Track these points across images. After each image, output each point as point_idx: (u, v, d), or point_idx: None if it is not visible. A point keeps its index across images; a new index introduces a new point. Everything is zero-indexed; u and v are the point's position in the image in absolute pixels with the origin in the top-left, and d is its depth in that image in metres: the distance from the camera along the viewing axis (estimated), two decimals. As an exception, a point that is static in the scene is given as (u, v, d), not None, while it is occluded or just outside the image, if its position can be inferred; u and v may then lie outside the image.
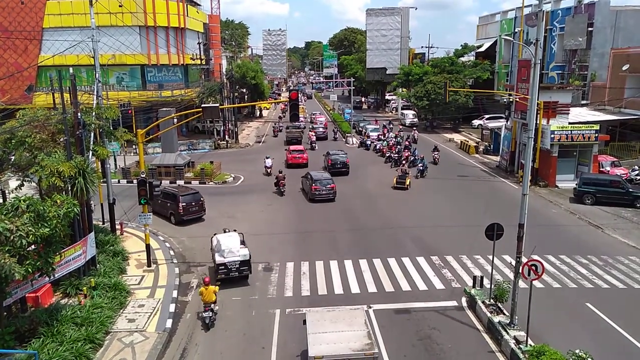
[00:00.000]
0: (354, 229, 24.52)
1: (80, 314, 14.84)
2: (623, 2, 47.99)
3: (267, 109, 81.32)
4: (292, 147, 40.65)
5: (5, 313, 13.98)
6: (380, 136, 47.80)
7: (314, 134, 49.10)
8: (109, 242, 20.67)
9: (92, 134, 20.72)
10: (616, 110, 36.84)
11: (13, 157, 17.98)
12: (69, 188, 16.72)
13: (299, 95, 49.14)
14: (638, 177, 31.19)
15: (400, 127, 48.96)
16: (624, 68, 36.09)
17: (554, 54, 46.21)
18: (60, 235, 13.76)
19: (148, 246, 20.00)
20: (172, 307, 16.71)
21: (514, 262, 15.24)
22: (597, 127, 31.44)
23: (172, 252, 21.70)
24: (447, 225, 24.87)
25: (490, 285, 16.33)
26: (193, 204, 25.67)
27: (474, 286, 17.16)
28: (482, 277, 17.30)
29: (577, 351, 12.60)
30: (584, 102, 40.54)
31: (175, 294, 17.78)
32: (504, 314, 15.38)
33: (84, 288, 16.62)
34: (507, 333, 14.27)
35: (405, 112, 63.76)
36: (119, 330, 15.12)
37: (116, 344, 14.47)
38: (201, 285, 16.26)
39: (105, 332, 14.68)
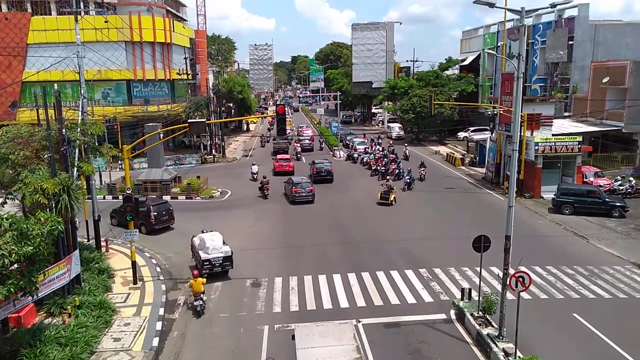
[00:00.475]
0: (342, 243, 24.48)
1: (65, 334, 14.54)
2: (601, 17, 49.14)
3: (254, 123, 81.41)
4: (279, 156, 42.98)
5: (-14, 334, 13.67)
6: (367, 149, 48.04)
7: (299, 145, 51.41)
8: (94, 260, 20.36)
9: (77, 150, 20.52)
10: (598, 121, 37.53)
11: (-4, 175, 17.73)
12: (53, 205, 16.48)
13: (286, 109, 50.17)
14: (621, 188, 31.70)
15: (391, 141, 49.01)
16: (604, 80, 36.86)
17: (536, 67, 47.08)
18: (44, 253, 13.53)
19: (134, 263, 19.75)
20: (158, 325, 16.46)
21: (501, 274, 15.33)
22: (579, 138, 31.95)
23: (158, 269, 21.45)
24: (435, 237, 24.96)
25: (479, 298, 16.37)
26: (164, 213, 26.54)
27: (462, 298, 17.19)
28: (470, 290, 17.35)
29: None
30: (566, 114, 41.25)
31: (161, 311, 17.54)
32: (492, 326, 15.40)
33: (69, 307, 16.32)
34: (496, 345, 14.29)
35: (391, 125, 64.24)
36: (104, 350, 14.84)
37: (101, 364, 14.20)
38: (190, 285, 17.80)
39: (90, 352, 14.40)
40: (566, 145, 31.41)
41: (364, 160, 44.85)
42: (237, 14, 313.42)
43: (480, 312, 16.07)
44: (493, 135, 37.97)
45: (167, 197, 33.83)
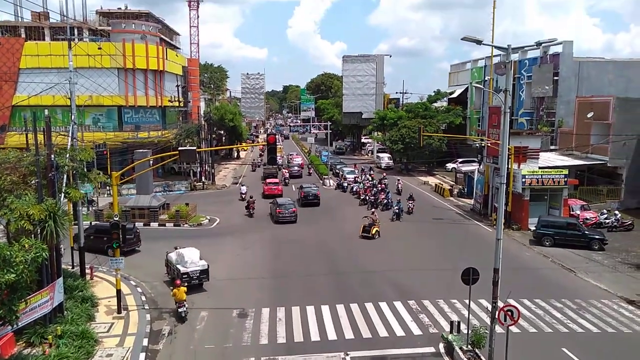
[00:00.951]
0: (331, 273, 24.30)
1: (44, 365, 14.11)
2: (585, 54, 50.68)
3: (245, 151, 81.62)
4: (268, 180, 45.58)
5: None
6: (357, 178, 48.27)
7: (287, 172, 53.44)
8: (78, 288, 19.95)
9: (65, 176, 20.35)
10: (583, 155, 38.21)
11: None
12: (39, 231, 16.22)
13: (277, 137, 51.26)
14: (607, 221, 32.06)
15: (385, 173, 48.92)
16: (589, 115, 37.72)
17: (523, 101, 48.10)
18: (27, 281, 13.27)
19: (119, 291, 19.39)
20: (142, 357, 16.05)
21: (490, 307, 15.27)
22: (566, 171, 32.45)
23: (143, 298, 21.04)
24: (424, 268, 24.89)
25: (468, 331, 16.25)
26: (132, 236, 26.46)
27: (451, 332, 17.04)
28: (459, 322, 17.22)
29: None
30: (552, 147, 42.00)
31: (145, 342, 17.12)
32: (481, 360, 15.26)
33: (50, 337, 15.86)
34: (485, 380, 14.12)
35: (380, 155, 64.80)
36: (84, 382, 14.40)
37: (81, 397, 13.74)
38: (176, 292, 19.18)
39: (70, 385, 13.95)
40: (553, 178, 31.85)
41: (354, 190, 44.99)
42: (229, 43, 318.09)
43: (469, 346, 15.92)
44: (481, 167, 38.41)
45: (154, 224, 33.57)
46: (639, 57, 50.08)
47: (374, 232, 29.98)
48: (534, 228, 29.76)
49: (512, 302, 16.41)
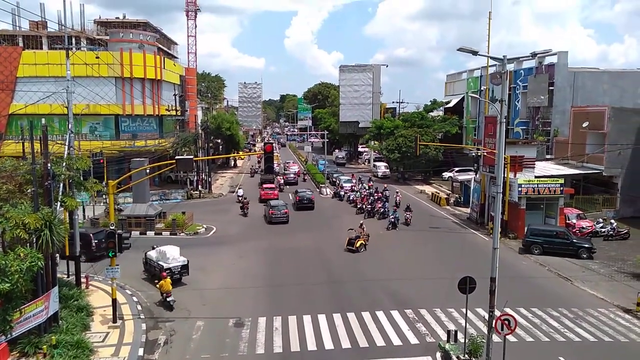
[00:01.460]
0: (327, 282, 24.24)
1: (38, 376, 13.99)
2: (579, 64, 51.16)
3: (242, 159, 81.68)
4: (265, 185, 47.18)
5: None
6: (353, 187, 48.31)
7: (282, 178, 55.37)
8: (73, 297, 19.81)
9: (62, 185, 20.32)
10: (579, 164, 38.40)
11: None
12: (34, 240, 16.16)
13: (274, 145, 51.80)
14: (603, 230, 32.15)
15: (385, 185, 48.24)
16: (584, 125, 37.96)
17: (519, 110, 48.40)
18: (22, 290, 13.23)
19: (114, 301, 19.28)
20: (137, 367, 15.95)
21: (487, 316, 15.26)
22: (561, 180, 32.57)
23: (139, 307, 20.93)
24: (420, 277, 24.86)
25: (465, 340, 16.22)
26: (103, 240, 25.61)
27: (448, 341, 17.00)
28: (456, 332, 17.18)
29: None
30: (548, 156, 42.17)
31: (141, 352, 17.01)
32: (478, 369, 15.21)
33: (44, 346, 15.73)
34: (483, 390, 14.08)
35: (377, 164, 64.94)
36: (79, 393, 14.27)
37: (75, 407, 13.62)
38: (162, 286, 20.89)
39: (64, 395, 13.82)
40: (549, 187, 31.98)
41: (350, 198, 45.03)
42: (227, 53, 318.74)
43: (466, 355, 15.89)
44: (477, 176, 38.53)
45: (151, 233, 33.47)
46: (633, 68, 50.61)
47: (358, 245, 28.90)
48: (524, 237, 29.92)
49: (509, 311, 16.38)
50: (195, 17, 74.77)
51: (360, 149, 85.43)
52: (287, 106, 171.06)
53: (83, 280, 22.58)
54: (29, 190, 17.74)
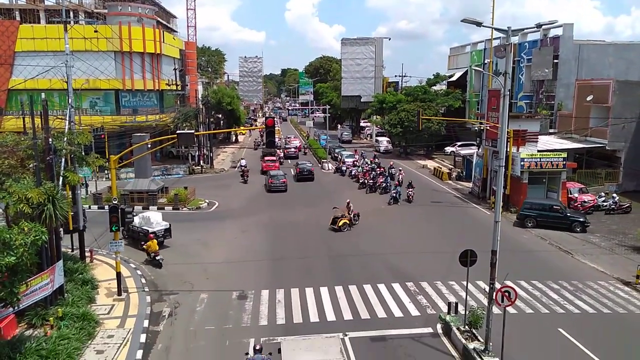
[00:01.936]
0: (329, 255, 24.44)
1: (46, 346, 14.24)
2: (585, 37, 50.37)
3: (243, 135, 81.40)
4: (266, 158, 49.10)
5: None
6: (355, 162, 48.24)
7: (282, 152, 56.41)
8: (77, 270, 20.05)
9: (63, 160, 20.32)
10: (582, 138, 38.19)
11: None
12: (38, 215, 16.25)
13: (276, 119, 52.11)
14: (605, 204, 32.19)
15: (392, 162, 47.34)
16: (588, 99, 37.60)
17: (522, 84, 47.89)
18: (27, 263, 13.33)
19: (119, 274, 19.50)
20: (142, 338, 16.21)
21: (487, 288, 15.40)
22: (564, 155, 32.46)
23: (143, 280, 21.18)
24: (422, 251, 25.04)
25: (465, 312, 16.41)
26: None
27: (448, 312, 17.22)
28: (456, 304, 17.38)
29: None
30: (551, 130, 41.94)
31: (146, 323, 17.29)
32: (478, 340, 15.43)
33: (51, 318, 16.01)
34: (482, 359, 14.31)
35: (379, 138, 64.67)
36: (86, 363, 14.57)
37: (83, 377, 13.93)
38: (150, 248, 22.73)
39: (72, 365, 14.11)
40: (551, 162, 31.89)
41: (352, 173, 45.02)
42: (227, 26, 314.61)
43: (466, 327, 16.10)
44: (480, 150, 38.38)
45: (153, 208, 33.64)
46: (639, 40, 49.73)
47: (341, 224, 28.03)
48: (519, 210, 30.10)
49: (509, 283, 16.54)
50: (195, -11, 73.30)
51: (362, 124, 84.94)
52: (288, 80, 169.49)
53: (87, 254, 22.79)
54: (31, 165, 17.76)
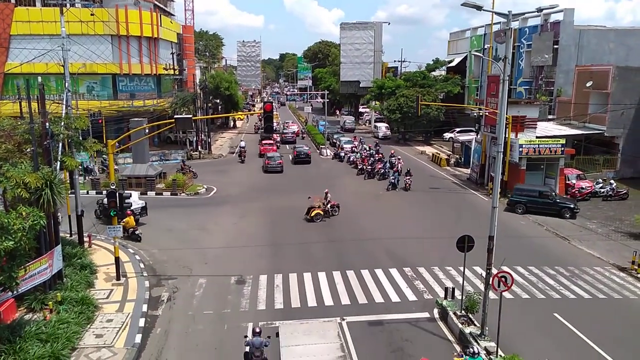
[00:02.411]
0: (327, 241, 24.52)
1: (45, 330, 14.34)
2: (585, 22, 49.99)
3: (241, 120, 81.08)
4: (264, 141, 50.21)
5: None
6: (353, 148, 48.16)
7: (278, 136, 57.24)
8: (76, 255, 20.09)
9: (61, 144, 20.24)
10: (581, 124, 38.13)
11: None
12: (35, 199, 16.23)
13: (274, 104, 52.28)
14: (602, 190, 32.28)
15: (393, 151, 46.50)
16: (588, 85, 37.46)
17: (522, 70, 47.62)
18: (25, 248, 13.35)
19: (117, 259, 19.56)
20: (141, 322, 16.32)
21: (484, 274, 15.51)
22: (563, 141, 32.43)
23: (142, 265, 21.26)
24: (419, 236, 25.13)
25: (462, 297, 16.55)
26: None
27: (445, 297, 17.36)
28: (453, 289, 17.52)
29: (545, 361, 12.84)
30: (550, 116, 41.82)
31: (145, 308, 17.40)
32: (474, 324, 15.58)
33: (50, 303, 16.09)
34: (478, 344, 14.46)
35: (378, 124, 64.49)
36: (86, 346, 14.69)
37: (83, 360, 14.05)
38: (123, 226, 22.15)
39: (71, 349, 14.23)
40: (550, 148, 31.89)
41: (351, 159, 44.98)
42: (225, 10, 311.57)
43: (463, 311, 16.25)
44: (478, 136, 38.33)
45: (151, 193, 33.62)
46: (640, 25, 49.37)
47: (313, 214, 27.29)
48: (510, 196, 30.30)
49: (506, 269, 16.66)
50: (192, -28, 72.32)
51: (361, 110, 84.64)
52: (286, 65, 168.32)
53: (86, 239, 22.83)
54: (28, 150, 17.67)
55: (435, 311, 17.25)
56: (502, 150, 15.71)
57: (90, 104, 43.09)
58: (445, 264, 21.10)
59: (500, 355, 13.73)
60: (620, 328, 16.38)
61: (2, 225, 12.08)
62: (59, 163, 19.57)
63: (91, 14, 37.40)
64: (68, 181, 23.03)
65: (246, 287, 19.27)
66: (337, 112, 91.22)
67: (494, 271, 14.67)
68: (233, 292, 18.87)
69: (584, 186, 32.52)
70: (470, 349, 12.90)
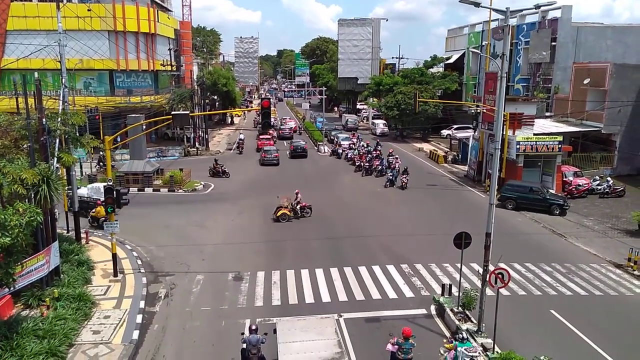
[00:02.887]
0: (325, 238, 24.53)
1: (43, 326, 14.33)
2: (583, 19, 49.98)
3: (239, 117, 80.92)
4: (261, 136, 51.41)
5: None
6: (351, 145, 48.14)
7: (275, 132, 57.07)
8: (73, 252, 20.06)
9: (57, 140, 20.16)
10: (578, 122, 38.20)
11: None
12: (32, 196, 16.18)
13: (272, 100, 52.55)
14: (599, 187, 32.37)
15: (391, 150, 45.81)
16: (585, 82, 37.50)
17: (520, 67, 47.66)
18: (22, 244, 13.32)
19: (114, 255, 19.53)
20: (139, 318, 16.33)
21: (481, 270, 15.55)
22: (560, 138, 32.50)
23: (139, 262, 21.24)
24: (417, 233, 25.18)
25: (459, 293, 16.59)
26: None
27: (442, 294, 17.41)
28: (450, 285, 17.57)
29: (542, 357, 12.91)
30: (548, 114, 41.86)
31: (142, 304, 17.40)
32: (471, 321, 15.64)
33: (47, 299, 16.06)
34: (475, 340, 14.51)
35: (376, 121, 64.45)
36: (83, 343, 14.68)
37: (80, 356, 14.05)
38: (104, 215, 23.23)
39: (68, 345, 14.23)
40: (547, 145, 31.96)
41: (348, 156, 44.98)
42: (222, 6, 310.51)
43: (460, 308, 16.30)
44: (476, 133, 38.37)
45: (149, 190, 33.56)
46: (638, 22, 49.51)
47: (279, 214, 26.87)
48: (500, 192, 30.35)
49: (503, 265, 16.72)
50: (189, -33, 71.93)
51: (358, 106, 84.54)
52: (284, 62, 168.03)
53: (83, 235, 22.79)
54: (24, 146, 17.59)
55: (432, 308, 17.30)
56: (500, 147, 15.72)
57: (87, 100, 42.89)
58: (443, 260, 21.15)
59: (497, 352, 13.78)
60: (616, 325, 16.45)
61: (-1, 222, 12.05)
62: (55, 159, 19.50)
63: (88, 9, 37.17)
64: (65, 177, 22.95)
65: (243, 283, 19.28)
66: (335, 109, 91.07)
67: (491, 268, 14.71)
68: (230, 288, 18.88)
69: (581, 183, 32.61)
70: (460, 334, 13.36)
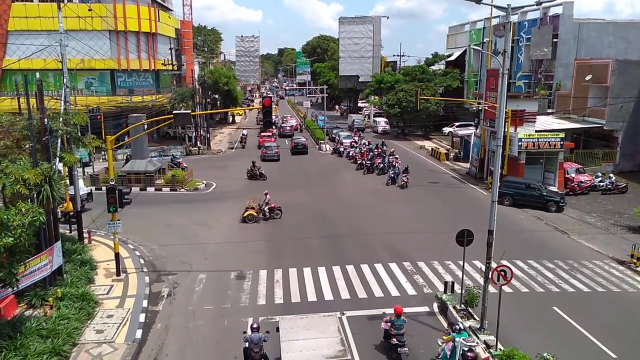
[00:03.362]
0: (327, 236, 24.53)
1: (46, 326, 14.38)
2: (584, 15, 49.80)
3: (240, 115, 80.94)
4: (263, 133, 51.99)
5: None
6: (353, 143, 48.10)
7: (276, 130, 58.44)
8: (76, 251, 20.12)
9: (59, 140, 20.20)
10: (580, 118, 38.11)
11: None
12: (35, 196, 16.22)
13: (273, 98, 52.88)
14: (601, 184, 32.31)
15: (393, 150, 45.48)
16: (587, 78, 37.40)
17: (521, 63, 47.53)
18: (25, 244, 13.35)
19: (117, 255, 19.57)
20: (142, 317, 16.37)
21: (484, 268, 15.54)
22: (562, 135, 32.43)
23: (142, 261, 21.29)
24: (419, 231, 25.16)
25: (461, 291, 16.59)
26: None
27: (445, 292, 17.39)
28: (453, 283, 17.54)
29: (545, 354, 12.91)
30: (549, 110, 41.76)
31: (145, 303, 17.44)
32: (474, 318, 15.64)
33: (50, 299, 16.12)
34: (478, 337, 14.51)
35: (377, 119, 64.39)
36: (86, 342, 14.72)
37: (84, 355, 14.09)
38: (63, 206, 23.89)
39: (72, 344, 14.28)
40: (549, 142, 31.90)
41: (350, 154, 44.95)
42: (223, 5, 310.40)
43: (462, 305, 16.30)
44: (477, 130, 38.30)
45: (151, 189, 33.60)
46: (639, 19, 49.23)
47: (245, 215, 26.55)
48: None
49: (505, 262, 16.67)
50: (190, -34, 71.95)
51: (360, 104, 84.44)
52: (285, 60, 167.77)
53: (85, 235, 22.84)
54: (27, 146, 17.64)
55: (435, 305, 17.29)
56: (502, 144, 15.69)
57: (88, 100, 42.99)
58: (445, 258, 21.13)
59: (500, 349, 13.78)
60: (619, 321, 16.43)
61: (2, 222, 12.07)
62: (57, 159, 19.54)
63: (89, 9, 37.18)
64: (67, 176, 23.03)
65: (246, 282, 19.30)
66: (337, 107, 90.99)
67: (494, 265, 14.70)
68: (233, 287, 18.90)
69: (583, 180, 32.56)
70: (457, 326, 13.56)
